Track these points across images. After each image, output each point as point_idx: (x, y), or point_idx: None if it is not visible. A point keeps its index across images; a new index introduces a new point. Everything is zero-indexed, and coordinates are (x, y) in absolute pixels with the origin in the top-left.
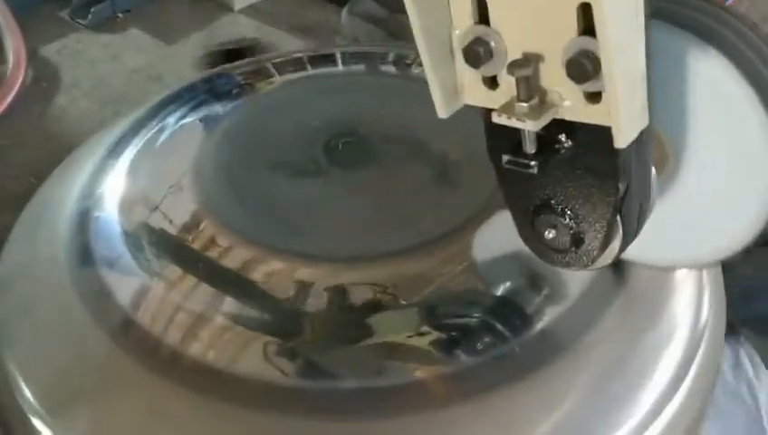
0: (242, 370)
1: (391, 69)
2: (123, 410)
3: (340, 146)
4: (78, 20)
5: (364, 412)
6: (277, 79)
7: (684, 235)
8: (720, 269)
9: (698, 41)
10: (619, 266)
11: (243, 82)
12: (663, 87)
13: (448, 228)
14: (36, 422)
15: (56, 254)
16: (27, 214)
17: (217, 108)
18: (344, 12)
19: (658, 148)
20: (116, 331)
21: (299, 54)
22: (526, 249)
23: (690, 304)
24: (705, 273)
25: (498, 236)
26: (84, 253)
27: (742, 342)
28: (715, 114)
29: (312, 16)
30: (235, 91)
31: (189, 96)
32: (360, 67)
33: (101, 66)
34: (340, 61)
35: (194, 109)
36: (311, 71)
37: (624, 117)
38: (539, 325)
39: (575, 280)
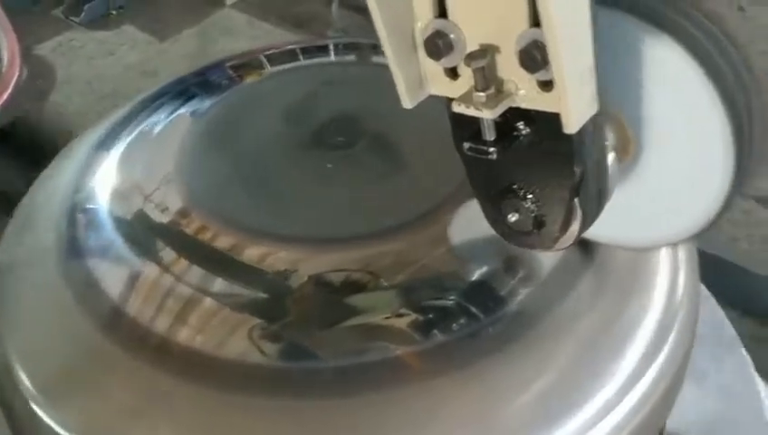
0: (227, 354)
1: (377, 59)
2: (113, 396)
3: (323, 134)
4: (72, 18)
5: (345, 390)
6: (266, 71)
7: (649, 216)
8: (694, 244)
9: (653, 28)
10: (589, 244)
11: (233, 75)
12: (622, 74)
13: (424, 210)
14: (35, 408)
15: (47, 246)
16: (21, 209)
17: (205, 100)
18: (334, 4)
19: (621, 133)
20: (104, 319)
21: (290, 47)
22: None
23: (664, 280)
24: (679, 249)
25: (473, 218)
26: (74, 244)
27: None
28: (671, 99)
29: (302, 9)
30: (223, 84)
31: (178, 90)
32: (347, 57)
33: (96, 63)
34: (325, 51)
35: (182, 102)
36: (298, 62)
37: (572, 103)
38: (512, 303)
39: (546, 259)
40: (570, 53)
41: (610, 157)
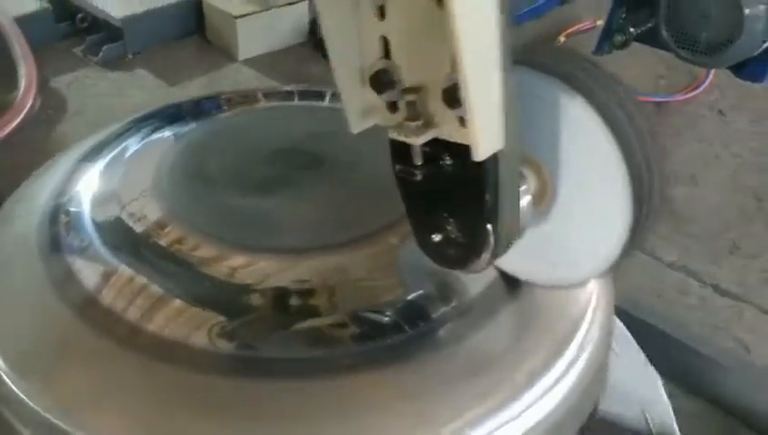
0: (188, 341)
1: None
2: (79, 375)
3: (288, 160)
4: (90, 56)
5: (288, 375)
6: (256, 105)
7: (557, 258)
8: (610, 282)
9: (569, 89)
10: (516, 280)
11: (224, 106)
12: (543, 128)
13: (369, 230)
14: (9, 385)
15: (29, 241)
16: (7, 207)
17: (190, 124)
18: None
19: (540, 178)
20: (79, 305)
21: (287, 88)
22: None
23: (578, 321)
24: (596, 285)
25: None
26: (54, 241)
27: None
28: (582, 151)
29: (311, 71)
30: (212, 112)
31: (167, 113)
32: (317, 102)
33: (106, 100)
34: (320, 97)
35: (169, 124)
36: (290, 102)
37: (479, 134)
38: (434, 323)
39: (472, 287)
40: (478, 92)
41: (526, 198)
